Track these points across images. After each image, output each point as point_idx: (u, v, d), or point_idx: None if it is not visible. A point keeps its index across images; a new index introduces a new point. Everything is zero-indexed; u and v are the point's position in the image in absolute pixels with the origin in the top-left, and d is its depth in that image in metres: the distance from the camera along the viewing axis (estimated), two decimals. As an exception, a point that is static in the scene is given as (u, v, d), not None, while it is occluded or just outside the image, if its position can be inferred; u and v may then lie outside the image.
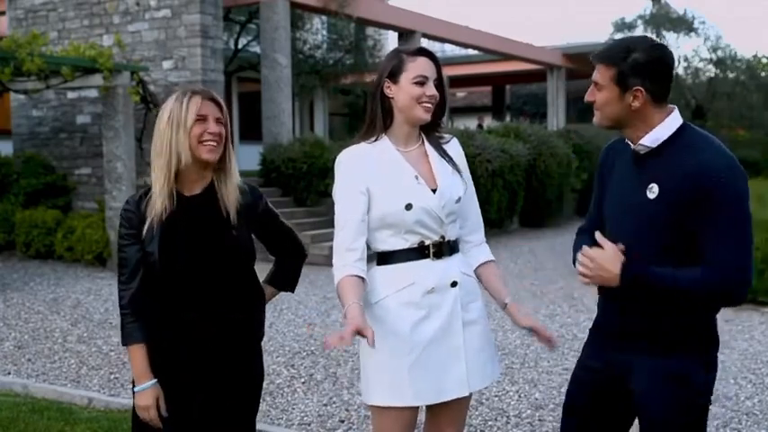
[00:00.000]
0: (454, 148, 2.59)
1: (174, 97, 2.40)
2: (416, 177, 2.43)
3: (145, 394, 2.35)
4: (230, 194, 2.41)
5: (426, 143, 2.53)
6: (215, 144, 2.35)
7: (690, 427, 2.23)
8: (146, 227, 2.35)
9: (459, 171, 2.54)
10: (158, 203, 2.35)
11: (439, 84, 2.48)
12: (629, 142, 2.28)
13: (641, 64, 2.16)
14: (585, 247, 2.23)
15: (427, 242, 2.43)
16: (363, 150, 2.46)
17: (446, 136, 2.60)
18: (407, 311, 2.40)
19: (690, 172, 2.11)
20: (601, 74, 2.22)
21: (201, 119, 2.34)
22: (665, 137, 2.20)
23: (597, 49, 2.27)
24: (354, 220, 2.40)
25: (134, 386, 2.42)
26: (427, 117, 2.45)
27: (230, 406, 2.43)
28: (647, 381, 2.23)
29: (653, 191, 2.17)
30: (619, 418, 2.38)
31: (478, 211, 2.65)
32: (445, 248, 2.46)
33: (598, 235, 2.23)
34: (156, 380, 2.37)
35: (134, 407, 2.44)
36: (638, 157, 2.25)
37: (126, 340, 2.37)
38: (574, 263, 2.41)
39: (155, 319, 2.38)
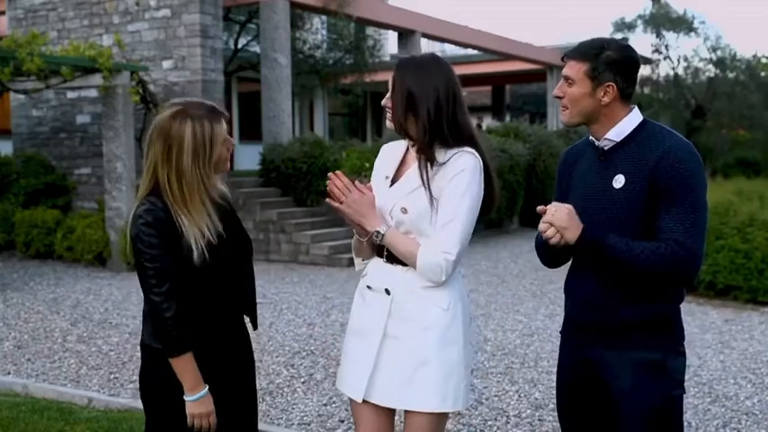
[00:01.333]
0: (451, 165, 2.36)
1: (195, 119, 2.31)
2: (386, 177, 2.51)
3: (204, 401, 2.32)
4: (223, 194, 2.47)
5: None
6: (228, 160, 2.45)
7: (669, 414, 2.30)
8: (175, 230, 2.29)
9: (428, 186, 2.35)
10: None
11: (395, 91, 2.39)
12: (593, 139, 2.38)
13: (614, 61, 2.28)
14: (557, 203, 2.29)
15: (378, 240, 2.45)
16: (395, 145, 2.58)
17: (451, 154, 2.37)
18: (357, 296, 2.58)
19: (656, 159, 2.22)
20: (574, 69, 2.32)
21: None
22: (629, 131, 2.32)
23: (567, 51, 2.37)
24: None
25: (155, 402, 2.41)
26: (388, 125, 2.47)
27: (235, 408, 2.45)
28: (626, 371, 2.29)
29: (619, 181, 2.28)
30: (601, 415, 2.42)
31: (443, 231, 2.33)
32: (390, 255, 2.44)
33: (540, 208, 2.30)
34: (207, 385, 2.34)
35: (151, 420, 2.41)
36: (603, 152, 2.35)
37: (176, 351, 2.28)
38: (540, 258, 2.55)
39: (201, 323, 2.35)
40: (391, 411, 2.50)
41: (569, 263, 2.51)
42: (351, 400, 2.52)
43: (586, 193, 2.35)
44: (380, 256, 2.47)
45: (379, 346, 2.42)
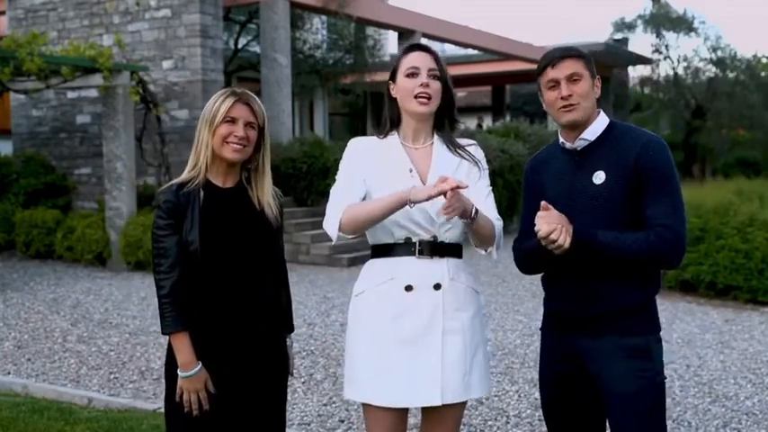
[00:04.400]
0: (473, 153, 2.54)
1: (215, 95, 2.53)
2: (410, 171, 2.44)
3: (194, 379, 2.40)
4: (264, 192, 2.51)
5: (437, 142, 2.51)
6: (240, 146, 2.44)
7: (656, 396, 2.36)
8: (186, 216, 2.41)
9: (467, 172, 2.48)
10: (195, 192, 2.43)
11: (440, 77, 2.46)
12: (565, 142, 2.45)
13: (589, 57, 2.42)
14: (543, 212, 2.31)
15: (414, 239, 2.41)
16: (371, 142, 2.53)
17: (467, 141, 2.58)
18: (383, 308, 2.40)
19: (637, 153, 2.34)
20: (577, 65, 2.39)
21: (230, 121, 2.44)
22: (602, 130, 2.43)
23: (553, 54, 2.41)
24: (352, 194, 2.43)
25: (167, 374, 2.49)
26: (423, 109, 2.44)
27: (262, 395, 2.51)
28: (613, 357, 2.34)
29: (599, 177, 2.37)
30: (588, 407, 2.46)
31: (488, 201, 2.52)
32: (436, 249, 2.42)
33: (545, 203, 2.31)
34: (201, 364, 2.41)
35: (167, 398, 2.49)
36: (576, 153, 2.43)
37: (169, 328, 2.41)
38: (520, 266, 2.57)
39: (194, 307, 2.42)
40: (406, 409, 2.47)
41: None
42: (366, 404, 2.45)
43: (565, 193, 2.41)
44: (410, 253, 2.40)
45: (442, 346, 2.37)
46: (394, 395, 2.38)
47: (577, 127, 2.41)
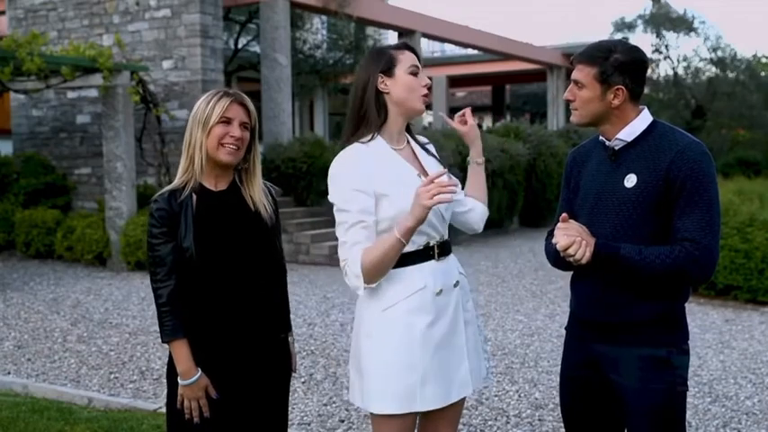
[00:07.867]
0: (432, 149, 2.62)
1: (205, 96, 2.47)
2: (419, 175, 2.42)
3: (194, 387, 2.40)
4: (256, 193, 2.48)
5: (412, 143, 2.55)
6: (235, 148, 2.40)
7: (673, 409, 2.31)
8: (180, 222, 2.38)
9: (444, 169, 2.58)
10: (187, 198, 2.40)
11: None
12: (605, 139, 2.38)
13: (623, 63, 2.28)
14: (570, 219, 2.28)
15: (432, 242, 2.41)
16: (360, 152, 2.37)
17: (424, 138, 2.64)
18: (417, 317, 2.35)
19: (670, 159, 2.22)
20: (583, 73, 2.32)
21: (226, 121, 2.40)
22: (640, 131, 2.32)
23: (579, 53, 2.36)
24: (367, 219, 2.32)
25: (168, 379, 2.49)
26: (423, 108, 2.48)
27: (264, 397, 2.52)
28: (631, 367, 2.30)
29: (630, 180, 2.28)
30: (605, 411, 2.43)
31: None
32: (445, 248, 2.46)
33: (565, 215, 2.27)
34: (200, 371, 2.41)
35: (168, 403, 2.49)
36: (613, 152, 2.35)
37: (168, 337, 2.39)
38: (551, 262, 2.51)
39: (193, 314, 2.41)
40: (415, 415, 2.45)
41: None
42: (379, 416, 2.39)
43: (597, 192, 2.36)
44: (430, 257, 2.40)
45: (466, 338, 2.46)
46: (434, 398, 2.38)
47: (602, 125, 2.34)
